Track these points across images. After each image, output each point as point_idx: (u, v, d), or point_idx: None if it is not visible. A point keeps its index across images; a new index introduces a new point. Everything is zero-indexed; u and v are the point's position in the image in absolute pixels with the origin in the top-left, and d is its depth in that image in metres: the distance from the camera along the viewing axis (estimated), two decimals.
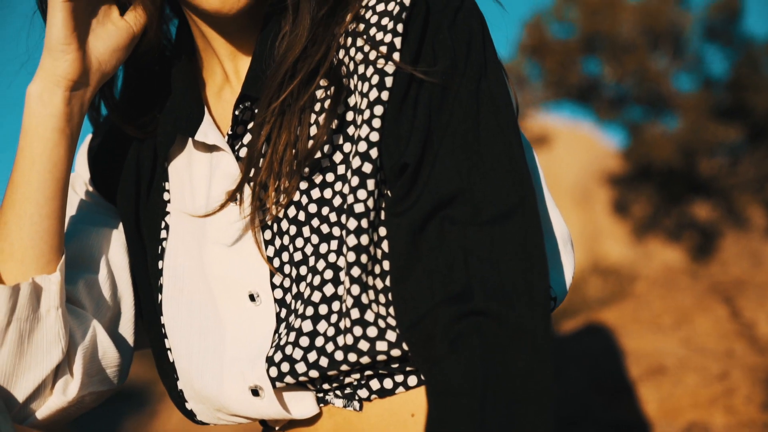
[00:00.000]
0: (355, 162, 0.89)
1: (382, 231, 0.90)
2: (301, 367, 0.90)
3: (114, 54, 1.00)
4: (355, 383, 0.93)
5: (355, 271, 0.87)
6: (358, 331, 0.87)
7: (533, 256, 0.80)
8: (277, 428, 1.02)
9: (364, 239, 0.88)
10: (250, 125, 0.99)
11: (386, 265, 0.89)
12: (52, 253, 0.95)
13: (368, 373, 0.92)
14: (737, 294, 3.23)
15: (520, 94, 10.82)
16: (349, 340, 0.87)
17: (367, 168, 0.88)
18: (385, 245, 0.89)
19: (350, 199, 0.89)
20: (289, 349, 0.90)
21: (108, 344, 1.01)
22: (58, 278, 0.95)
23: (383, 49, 0.88)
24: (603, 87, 11.48)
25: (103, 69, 0.99)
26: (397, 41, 0.87)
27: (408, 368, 0.92)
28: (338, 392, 0.94)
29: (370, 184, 0.88)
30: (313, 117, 0.93)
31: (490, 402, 0.72)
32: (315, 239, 0.92)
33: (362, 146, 0.88)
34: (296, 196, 0.93)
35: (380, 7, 0.90)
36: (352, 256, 0.87)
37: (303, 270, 0.93)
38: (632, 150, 11.53)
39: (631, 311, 3.21)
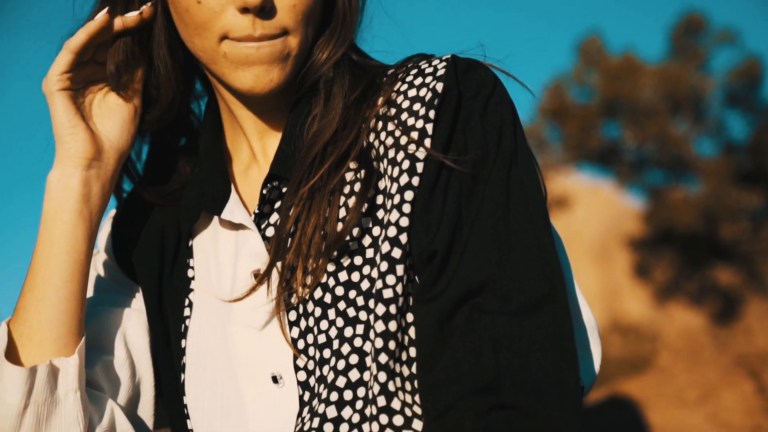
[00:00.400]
0: (385, 247, 0.87)
1: (410, 317, 0.88)
2: None
3: (124, 129, 1.03)
4: None
5: (383, 358, 0.85)
6: (384, 419, 0.86)
7: (563, 348, 0.79)
8: None
9: (393, 325, 0.86)
10: (276, 204, 0.98)
11: (413, 351, 0.87)
12: (70, 336, 0.95)
13: None
14: (764, 368, 3.17)
15: (540, 157, 10.86)
16: (375, 428, 0.86)
17: (397, 253, 0.86)
18: (412, 331, 0.87)
19: (379, 284, 0.87)
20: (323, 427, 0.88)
21: (127, 426, 1.00)
22: (76, 361, 0.94)
23: (415, 134, 0.87)
24: (623, 150, 11.51)
25: (117, 146, 1.02)
26: (429, 127, 0.87)
27: None
28: None
29: (399, 269, 0.86)
30: (342, 199, 0.92)
31: None
32: (340, 322, 0.90)
33: (392, 231, 0.87)
34: (323, 278, 0.91)
35: (412, 93, 0.90)
36: (380, 343, 0.86)
37: (327, 353, 0.90)
38: (653, 213, 11.48)
39: (655, 384, 3.15)
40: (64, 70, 0.96)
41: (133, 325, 1.07)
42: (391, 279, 0.86)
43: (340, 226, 0.90)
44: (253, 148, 1.03)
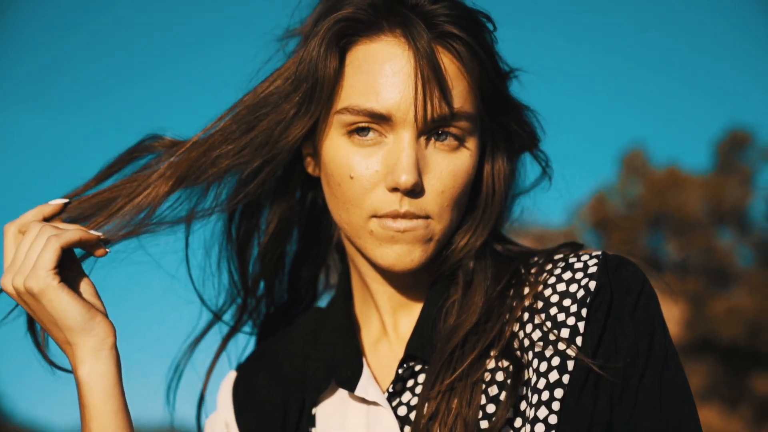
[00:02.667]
0: (537, 426, 0.84)
1: None
2: None
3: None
4: None
5: None
6: None
7: None
8: None
9: None
10: (408, 383, 0.95)
11: None
12: None
13: None
14: None
15: None
16: None
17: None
18: None
19: None
20: None
21: None
22: None
23: (566, 332, 0.85)
24: (666, 261, 11.53)
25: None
26: (581, 326, 0.85)
27: None
28: None
29: None
30: (485, 390, 0.89)
31: None
32: None
33: (539, 428, 0.83)
34: None
35: (561, 287, 0.89)
36: None
37: None
38: (695, 322, 11.45)
39: None
40: (54, 265, 0.89)
41: None
42: None
43: (483, 417, 0.87)
44: (385, 323, 1.01)
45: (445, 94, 0.86)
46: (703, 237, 9.70)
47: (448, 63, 0.87)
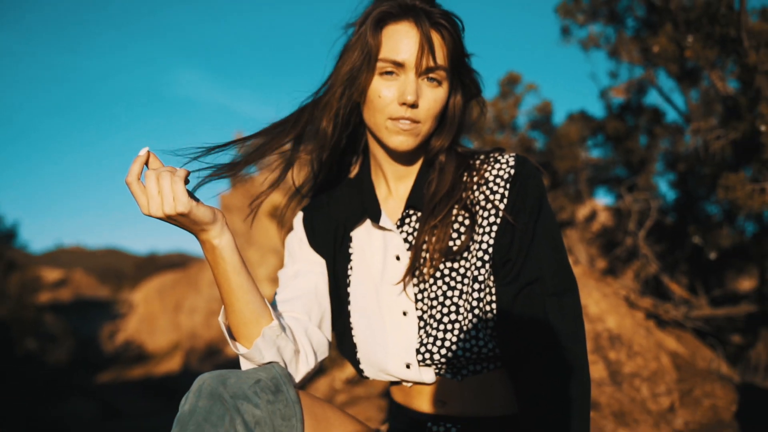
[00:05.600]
0: (479, 254, 1.31)
1: (492, 291, 1.29)
2: (435, 358, 1.32)
3: None
4: (461, 365, 1.33)
5: (475, 308, 1.30)
6: (473, 341, 1.29)
7: (579, 316, 1.25)
8: (409, 386, 1.41)
9: (482, 294, 1.29)
10: (407, 222, 1.42)
11: (492, 307, 1.29)
12: (264, 312, 1.30)
13: (471, 360, 1.32)
14: None
15: None
16: (468, 345, 1.29)
17: (486, 257, 1.30)
18: (492, 298, 1.28)
19: (474, 272, 1.31)
20: (429, 348, 1.33)
21: (320, 335, 1.41)
22: (275, 323, 1.30)
23: (497, 197, 1.33)
24: None
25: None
26: (506, 194, 1.33)
27: (491, 361, 1.33)
28: (450, 369, 1.34)
29: (487, 266, 1.29)
30: (454, 227, 1.36)
31: (549, 390, 1.20)
32: (444, 288, 1.33)
33: (484, 246, 1.31)
34: (440, 266, 1.35)
35: (495, 172, 1.35)
36: (474, 303, 1.30)
37: (435, 303, 1.34)
38: None
39: None
40: (187, 193, 1.18)
41: (320, 281, 1.48)
42: (482, 271, 1.30)
43: (453, 242, 1.35)
44: (390, 188, 1.45)
45: (433, 55, 1.29)
46: (492, 139, 11.38)
47: (436, 39, 1.30)
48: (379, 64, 1.32)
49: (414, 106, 1.31)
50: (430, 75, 1.32)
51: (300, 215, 1.57)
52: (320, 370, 5.16)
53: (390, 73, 1.32)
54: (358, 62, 1.33)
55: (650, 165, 4.69)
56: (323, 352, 1.41)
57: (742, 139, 3.14)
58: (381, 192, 1.47)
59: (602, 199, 6.79)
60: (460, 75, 1.39)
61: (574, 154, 5.06)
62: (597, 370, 3.04)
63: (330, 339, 1.46)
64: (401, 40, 1.30)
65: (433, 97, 1.33)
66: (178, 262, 30.36)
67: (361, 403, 3.49)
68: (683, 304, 3.81)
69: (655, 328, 3.73)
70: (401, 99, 1.30)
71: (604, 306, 3.32)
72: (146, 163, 1.18)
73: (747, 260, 4.07)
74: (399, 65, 1.30)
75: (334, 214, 1.50)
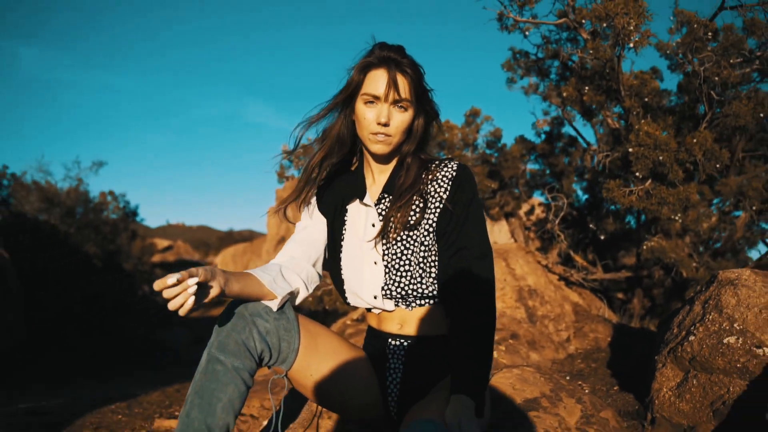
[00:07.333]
0: (427, 228, 1.35)
1: (434, 252, 1.34)
2: (393, 294, 1.37)
3: None
4: (411, 299, 1.37)
5: (422, 263, 1.34)
6: (419, 284, 1.35)
7: (491, 273, 1.30)
8: (378, 312, 1.43)
9: (426, 254, 1.34)
10: (381, 202, 1.43)
11: (434, 262, 1.34)
12: (267, 293, 1.30)
13: (418, 297, 1.37)
14: None
15: None
16: (416, 287, 1.35)
17: (431, 230, 1.35)
18: (435, 258, 1.34)
19: (422, 239, 1.35)
20: (389, 286, 1.37)
21: (312, 272, 1.45)
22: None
23: (442, 190, 1.36)
24: None
25: None
26: (449, 188, 1.35)
27: (432, 299, 1.36)
28: (404, 302, 1.38)
29: (431, 236, 1.35)
30: (413, 207, 1.38)
31: (469, 320, 1.24)
32: (402, 248, 1.36)
33: (430, 222, 1.35)
34: (401, 233, 1.37)
35: (443, 173, 1.38)
36: (421, 259, 1.34)
37: (395, 257, 1.37)
38: None
39: None
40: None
41: (320, 234, 1.50)
42: (430, 237, 1.35)
43: (413, 219, 1.37)
44: (375, 178, 1.46)
45: (398, 91, 1.31)
46: (459, 154, 11.06)
47: (402, 80, 1.32)
48: (364, 96, 1.34)
49: (386, 125, 1.33)
50: (399, 104, 1.34)
51: (315, 191, 1.59)
52: (338, 314, 5.22)
53: (371, 102, 1.34)
54: (349, 91, 1.37)
55: (569, 176, 4.80)
56: (314, 283, 1.45)
57: (620, 157, 3.25)
58: (368, 181, 1.48)
59: (538, 198, 6.92)
60: (423, 104, 1.39)
61: (516, 166, 5.18)
62: (519, 313, 3.17)
63: (320, 273, 1.48)
64: (377, 81, 1.33)
65: (400, 119, 1.34)
66: (248, 237, 30.79)
67: (361, 335, 3.62)
68: (584, 270, 3.93)
69: (563, 286, 3.88)
70: (377, 120, 1.33)
71: (526, 269, 3.45)
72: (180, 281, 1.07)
73: (628, 241, 4.18)
74: (376, 97, 1.33)
75: (337, 192, 1.50)
